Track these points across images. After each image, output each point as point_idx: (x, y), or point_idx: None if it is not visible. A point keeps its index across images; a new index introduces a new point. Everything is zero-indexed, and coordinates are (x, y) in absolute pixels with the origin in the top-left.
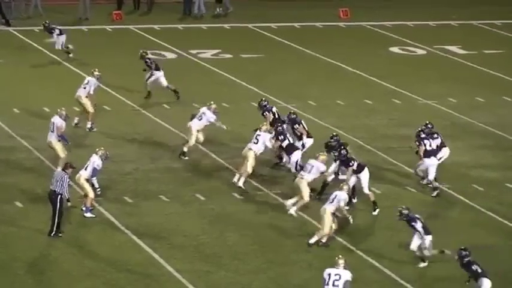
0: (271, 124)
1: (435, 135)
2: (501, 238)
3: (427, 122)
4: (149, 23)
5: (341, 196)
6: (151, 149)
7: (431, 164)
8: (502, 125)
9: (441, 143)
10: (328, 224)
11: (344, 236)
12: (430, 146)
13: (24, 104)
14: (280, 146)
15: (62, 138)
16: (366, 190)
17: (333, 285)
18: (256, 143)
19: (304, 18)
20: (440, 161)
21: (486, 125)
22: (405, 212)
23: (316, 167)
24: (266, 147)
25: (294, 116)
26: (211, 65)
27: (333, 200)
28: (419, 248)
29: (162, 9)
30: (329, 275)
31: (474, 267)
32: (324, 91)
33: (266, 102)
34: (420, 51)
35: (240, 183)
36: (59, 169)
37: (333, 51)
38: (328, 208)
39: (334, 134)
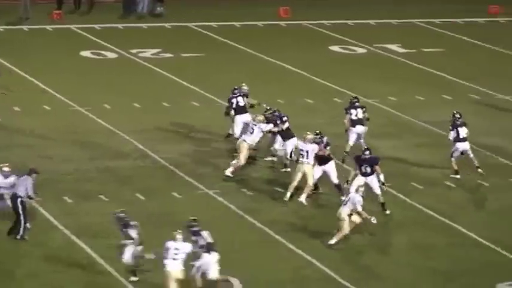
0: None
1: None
2: (441, 236)
3: (455, 112)
4: (89, 22)
5: (355, 198)
6: (91, 148)
7: (355, 132)
8: (442, 123)
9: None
10: (347, 226)
11: (283, 233)
12: (356, 116)
13: None
14: (277, 132)
15: None
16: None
17: (173, 259)
18: (252, 133)
19: (244, 17)
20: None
21: (426, 123)
22: (120, 215)
23: (311, 150)
24: (261, 138)
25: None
26: (152, 64)
27: (346, 202)
28: (133, 257)
29: (103, 9)
30: (168, 249)
31: (198, 239)
32: (264, 90)
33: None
34: (360, 50)
35: (228, 172)
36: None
37: (274, 50)
38: (344, 210)
39: (318, 131)
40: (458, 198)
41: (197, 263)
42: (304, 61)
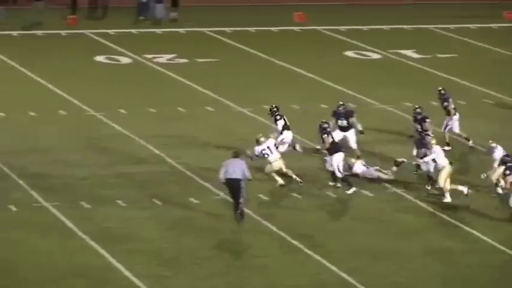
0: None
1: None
2: (456, 242)
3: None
4: (103, 27)
5: None
6: (107, 154)
7: None
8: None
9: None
10: None
11: (300, 239)
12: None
13: None
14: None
15: None
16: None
17: None
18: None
19: (259, 23)
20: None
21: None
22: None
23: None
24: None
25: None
26: (166, 69)
27: None
28: None
29: (117, 14)
30: None
31: None
32: (278, 95)
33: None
34: (375, 56)
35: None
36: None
37: (288, 55)
38: None
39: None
40: None
41: None
42: (318, 66)
